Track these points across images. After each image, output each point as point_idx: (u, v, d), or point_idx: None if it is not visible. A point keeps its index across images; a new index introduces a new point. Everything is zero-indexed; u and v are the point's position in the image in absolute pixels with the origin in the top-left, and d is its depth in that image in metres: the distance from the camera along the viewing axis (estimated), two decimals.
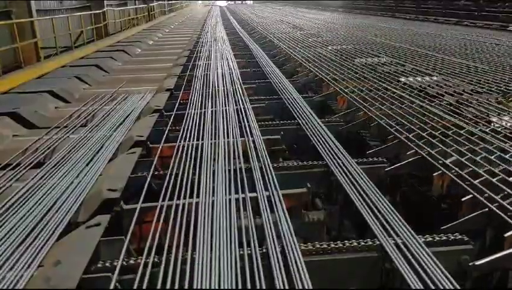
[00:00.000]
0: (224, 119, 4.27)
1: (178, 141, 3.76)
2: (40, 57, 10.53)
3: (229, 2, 61.61)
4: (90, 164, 3.41)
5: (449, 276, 1.91)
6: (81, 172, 3.25)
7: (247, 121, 4.21)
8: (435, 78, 6.02)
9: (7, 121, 4.68)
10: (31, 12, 10.92)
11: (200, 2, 53.69)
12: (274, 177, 2.96)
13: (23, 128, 4.70)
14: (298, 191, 2.87)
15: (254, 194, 2.75)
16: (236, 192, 2.77)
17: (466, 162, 3.22)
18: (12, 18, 10.31)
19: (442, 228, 2.54)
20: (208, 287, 1.86)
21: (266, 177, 2.97)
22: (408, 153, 3.59)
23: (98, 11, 15.48)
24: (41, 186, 3.01)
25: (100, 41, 13.49)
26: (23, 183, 3.09)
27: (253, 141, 3.68)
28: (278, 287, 1.87)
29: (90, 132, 4.28)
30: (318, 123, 4.17)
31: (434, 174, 3.17)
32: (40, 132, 4.51)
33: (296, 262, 2.03)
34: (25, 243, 2.29)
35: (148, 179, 3.02)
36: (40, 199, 2.81)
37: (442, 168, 3.20)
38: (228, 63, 7.45)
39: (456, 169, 3.13)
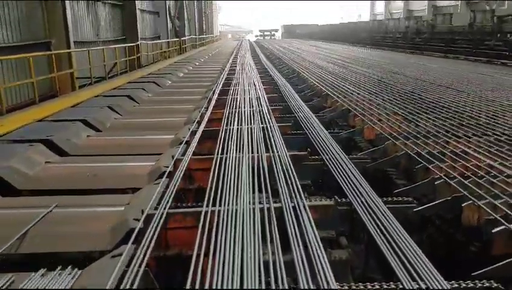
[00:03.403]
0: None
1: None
2: (75, 86, 10.95)
3: (258, 37, 63.11)
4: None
5: None
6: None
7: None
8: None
9: (41, 148, 4.84)
10: (69, 44, 11.45)
11: (229, 36, 55.16)
12: (299, 187, 3.07)
13: (56, 156, 4.85)
14: (324, 203, 2.94)
15: (279, 205, 2.83)
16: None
17: (500, 206, 3.10)
18: (51, 49, 10.83)
19: (473, 274, 2.43)
20: None
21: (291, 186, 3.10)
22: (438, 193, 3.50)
23: (132, 44, 16.09)
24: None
25: (133, 73, 13.95)
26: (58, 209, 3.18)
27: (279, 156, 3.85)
28: None
29: None
30: (343, 159, 4.10)
31: (463, 204, 3.13)
32: (72, 159, 4.63)
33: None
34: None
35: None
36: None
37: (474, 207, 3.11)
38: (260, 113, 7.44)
39: (489, 211, 3.03)
